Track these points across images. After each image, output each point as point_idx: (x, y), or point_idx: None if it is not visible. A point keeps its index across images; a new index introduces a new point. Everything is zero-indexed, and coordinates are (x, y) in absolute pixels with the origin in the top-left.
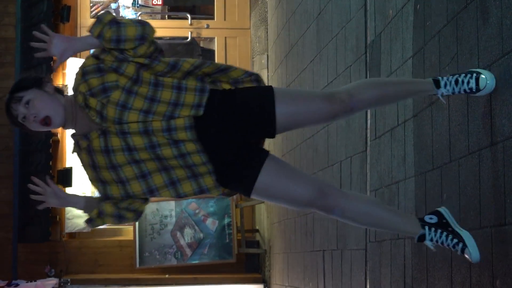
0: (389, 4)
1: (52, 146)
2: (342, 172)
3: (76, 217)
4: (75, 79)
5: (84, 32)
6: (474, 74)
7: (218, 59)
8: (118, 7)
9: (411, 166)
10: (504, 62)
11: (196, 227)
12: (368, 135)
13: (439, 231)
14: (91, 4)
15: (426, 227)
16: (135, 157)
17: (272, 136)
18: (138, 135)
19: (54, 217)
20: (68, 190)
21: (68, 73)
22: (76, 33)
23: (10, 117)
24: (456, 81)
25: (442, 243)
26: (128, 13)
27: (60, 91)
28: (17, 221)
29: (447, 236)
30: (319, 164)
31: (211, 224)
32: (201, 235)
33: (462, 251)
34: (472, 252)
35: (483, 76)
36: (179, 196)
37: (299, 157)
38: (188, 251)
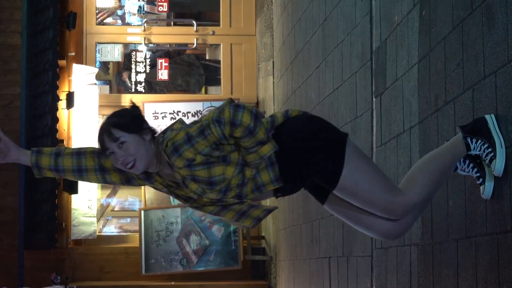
0: (394, 10)
1: None
2: None
3: (82, 224)
4: (172, 161)
5: (90, 40)
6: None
7: (224, 66)
8: (124, 13)
9: None
10: (510, 68)
11: (202, 234)
12: (374, 141)
13: (467, 162)
14: (97, 11)
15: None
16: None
17: (332, 188)
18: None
19: (60, 224)
20: (74, 197)
21: (74, 80)
22: (82, 40)
23: (101, 142)
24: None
25: (469, 172)
26: (134, 20)
27: (154, 136)
28: (23, 228)
29: (472, 168)
30: None
31: (217, 231)
32: (207, 242)
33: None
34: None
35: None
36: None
37: None
38: (194, 258)
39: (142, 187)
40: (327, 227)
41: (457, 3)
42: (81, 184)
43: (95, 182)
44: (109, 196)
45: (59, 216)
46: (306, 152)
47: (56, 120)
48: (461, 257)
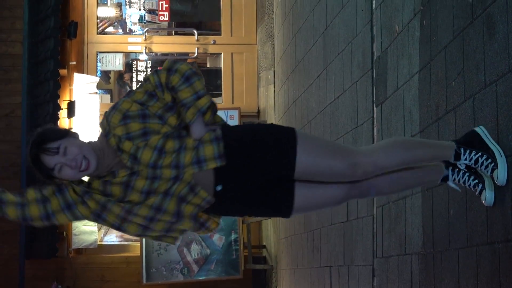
0: (395, 19)
1: None
2: None
3: (83, 233)
4: (110, 120)
5: (91, 49)
6: (491, 165)
7: (225, 75)
8: (125, 23)
9: None
10: (510, 77)
11: (203, 243)
12: None
13: (461, 172)
14: (98, 20)
15: (450, 169)
16: (149, 201)
17: (291, 176)
18: (166, 182)
19: (61, 233)
20: None
21: (75, 89)
22: (83, 49)
23: (40, 169)
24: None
25: (464, 182)
26: (135, 29)
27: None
28: (24, 237)
29: (469, 177)
30: None
31: (218, 240)
32: (208, 251)
33: (480, 192)
34: (500, 172)
35: (500, 169)
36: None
37: None
38: (195, 267)
39: None
40: (328, 236)
41: (458, 13)
42: None
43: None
44: None
45: (60, 226)
46: (257, 142)
47: (58, 107)
48: (462, 266)
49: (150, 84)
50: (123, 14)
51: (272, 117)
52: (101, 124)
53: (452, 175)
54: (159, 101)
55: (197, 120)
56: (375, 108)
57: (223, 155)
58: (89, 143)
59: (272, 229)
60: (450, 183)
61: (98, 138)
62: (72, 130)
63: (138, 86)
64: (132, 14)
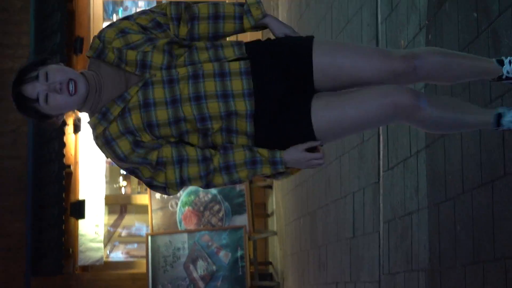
0: (400, 34)
1: (65, 178)
2: (355, 203)
3: (89, 250)
4: (104, 36)
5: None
6: None
7: None
8: None
9: (424, 197)
10: None
11: (209, 260)
12: (381, 166)
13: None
14: None
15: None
16: (179, 114)
17: (312, 90)
18: (186, 83)
19: (67, 250)
20: (81, 223)
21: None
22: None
23: (24, 104)
24: None
25: None
26: None
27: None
28: (30, 254)
29: None
30: (332, 195)
31: (224, 256)
32: (214, 267)
33: None
34: None
35: None
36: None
37: (311, 189)
38: (201, 284)
39: (149, 212)
40: (335, 253)
41: (463, 27)
42: (88, 210)
43: None
44: (116, 221)
45: (66, 242)
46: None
47: (63, 145)
48: (469, 282)
49: (163, 16)
50: None
51: None
52: (91, 46)
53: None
54: (166, 34)
55: (267, 15)
56: None
57: (246, 54)
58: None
59: (278, 246)
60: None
61: (89, 67)
62: (55, 58)
63: (139, 11)
64: None
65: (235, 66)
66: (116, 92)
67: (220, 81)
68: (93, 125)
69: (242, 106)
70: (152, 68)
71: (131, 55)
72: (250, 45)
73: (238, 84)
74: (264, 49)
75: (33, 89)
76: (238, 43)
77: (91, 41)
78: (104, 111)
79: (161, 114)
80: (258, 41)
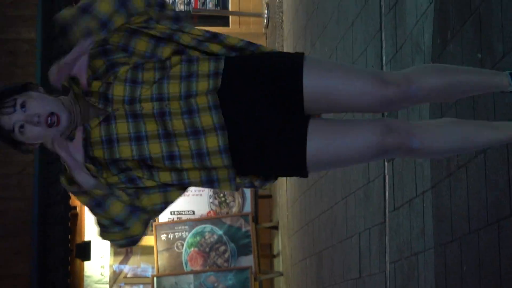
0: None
1: (71, 219)
2: (361, 243)
3: None
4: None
5: None
6: None
7: None
8: None
9: (430, 237)
10: None
11: None
12: (387, 206)
13: None
14: None
15: None
16: (144, 151)
17: (301, 112)
18: (152, 119)
19: None
20: (87, 264)
21: None
22: None
23: (3, 136)
24: None
25: None
26: None
27: (51, 92)
28: None
29: None
30: (338, 235)
31: None
32: None
33: None
34: None
35: None
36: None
37: (317, 229)
38: None
39: (155, 253)
40: (340, 286)
41: (468, 64)
42: (94, 251)
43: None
44: (121, 262)
45: (71, 284)
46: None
47: None
48: None
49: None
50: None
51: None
52: None
53: None
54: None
55: None
56: (386, 163)
57: (220, 74)
58: (57, 97)
59: (284, 287)
60: None
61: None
62: (35, 83)
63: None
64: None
65: (202, 101)
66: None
67: (189, 118)
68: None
69: (213, 141)
70: (115, 102)
71: (95, 86)
72: (230, 61)
73: (208, 120)
74: (245, 65)
75: (10, 120)
76: (216, 59)
77: None
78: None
79: (125, 151)
80: (240, 57)
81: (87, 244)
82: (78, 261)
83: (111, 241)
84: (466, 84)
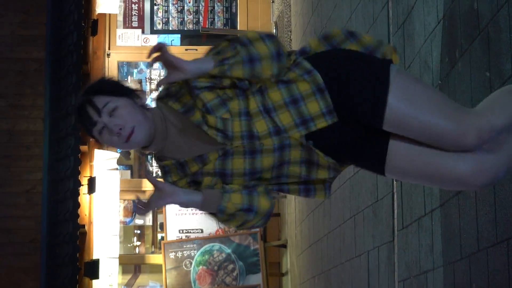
0: None
1: (80, 238)
2: (370, 262)
3: None
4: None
5: None
6: None
7: None
8: (146, 99)
9: (439, 256)
10: None
11: None
12: (395, 225)
13: None
14: None
15: None
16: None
17: (380, 127)
18: (271, 154)
19: None
20: (95, 283)
21: (96, 165)
22: None
23: (83, 123)
24: None
25: None
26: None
27: (148, 108)
28: None
29: None
30: (347, 254)
31: None
32: None
33: None
34: None
35: None
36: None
37: (326, 248)
38: None
39: (163, 271)
40: None
41: (476, 87)
42: (103, 269)
43: None
44: (130, 280)
45: None
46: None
47: (77, 205)
48: None
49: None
50: (143, 90)
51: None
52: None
53: None
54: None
55: None
56: (395, 182)
57: (333, 109)
58: (153, 112)
59: None
60: None
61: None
62: (139, 92)
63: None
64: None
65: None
66: (187, 146)
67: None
68: (168, 169)
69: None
70: (235, 139)
71: (211, 120)
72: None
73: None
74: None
75: (95, 118)
76: (308, 72)
77: None
78: (183, 163)
79: (237, 182)
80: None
81: (96, 263)
82: (86, 279)
83: (253, 226)
84: None
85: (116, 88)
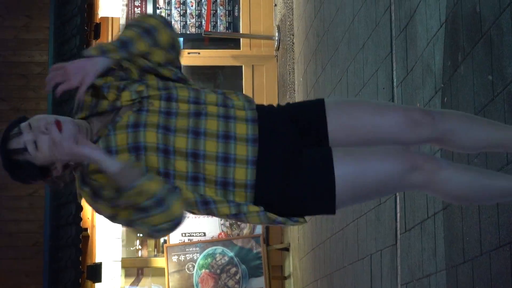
0: (416, 97)
1: (82, 241)
2: (373, 265)
3: None
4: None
5: None
6: None
7: None
8: None
9: (442, 259)
10: None
11: None
12: (398, 228)
13: None
14: None
15: None
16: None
17: (327, 145)
18: (186, 118)
19: None
20: (98, 286)
21: None
22: None
23: (19, 167)
24: None
25: None
26: None
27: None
28: None
29: None
30: (349, 257)
31: None
32: None
33: None
34: None
35: None
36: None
37: (329, 251)
38: None
39: (166, 274)
40: None
41: (479, 90)
42: (105, 273)
43: None
44: (132, 284)
45: None
46: None
47: (80, 208)
48: None
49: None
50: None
51: None
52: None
53: None
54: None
55: None
56: None
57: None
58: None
59: None
60: None
61: None
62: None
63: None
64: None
65: (240, 114)
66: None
67: (224, 122)
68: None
69: (243, 151)
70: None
71: (126, 95)
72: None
73: (242, 128)
74: (274, 113)
75: (19, 141)
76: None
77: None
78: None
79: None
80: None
81: (98, 266)
82: (89, 282)
83: (154, 228)
84: (484, 134)
85: (13, 121)
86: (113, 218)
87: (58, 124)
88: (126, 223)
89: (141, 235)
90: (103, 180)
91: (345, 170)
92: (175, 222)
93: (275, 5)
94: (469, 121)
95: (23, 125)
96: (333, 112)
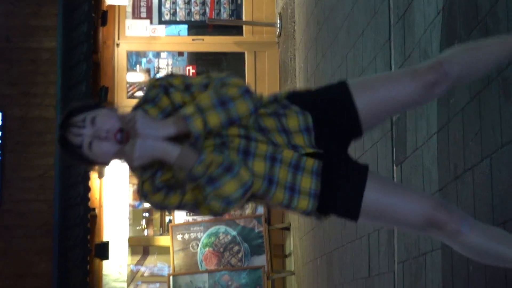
0: None
1: (90, 220)
2: (370, 244)
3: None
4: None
5: None
6: None
7: None
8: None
9: None
10: None
11: None
12: None
13: None
14: (128, 85)
15: None
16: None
17: (360, 134)
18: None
19: None
20: (105, 263)
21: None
22: None
23: (69, 149)
24: None
25: None
26: None
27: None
28: None
29: None
30: (348, 236)
31: None
32: None
33: None
34: None
35: None
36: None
37: (328, 231)
38: None
39: (171, 252)
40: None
41: None
42: (112, 251)
43: None
44: (139, 261)
45: (90, 282)
46: None
47: (88, 189)
48: None
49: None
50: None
51: None
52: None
53: None
54: None
55: None
56: (395, 167)
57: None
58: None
59: (296, 285)
60: None
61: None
62: (109, 103)
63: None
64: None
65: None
66: None
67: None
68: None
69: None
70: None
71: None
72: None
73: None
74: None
75: (77, 135)
76: (304, 118)
77: (115, 91)
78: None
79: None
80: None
81: (106, 244)
82: (97, 260)
83: (227, 200)
84: (489, 55)
85: (85, 105)
86: (181, 206)
87: (126, 135)
88: (195, 205)
89: (206, 218)
90: (170, 172)
91: (373, 198)
92: (246, 188)
93: None
94: (475, 52)
95: (89, 117)
96: (359, 95)
